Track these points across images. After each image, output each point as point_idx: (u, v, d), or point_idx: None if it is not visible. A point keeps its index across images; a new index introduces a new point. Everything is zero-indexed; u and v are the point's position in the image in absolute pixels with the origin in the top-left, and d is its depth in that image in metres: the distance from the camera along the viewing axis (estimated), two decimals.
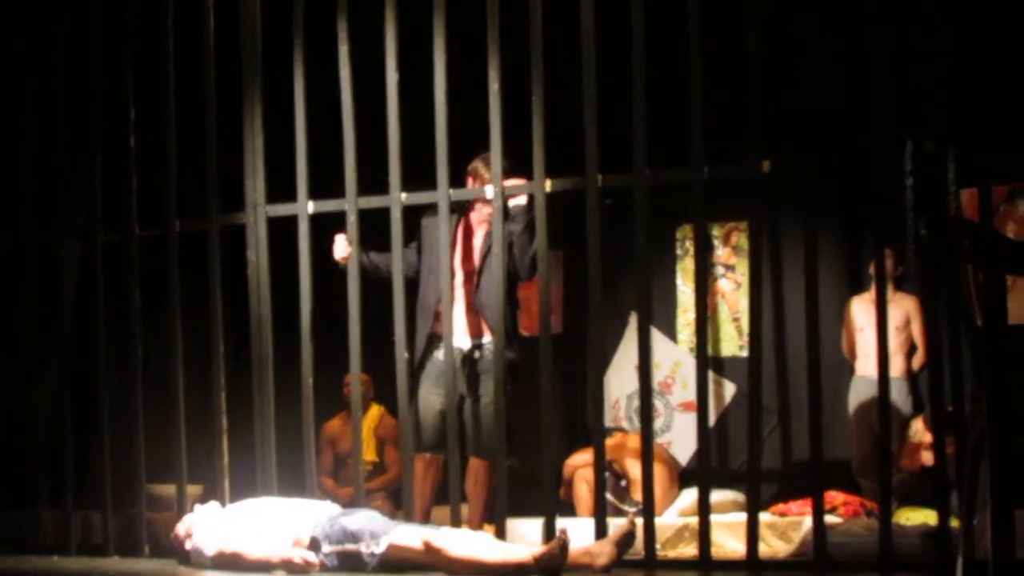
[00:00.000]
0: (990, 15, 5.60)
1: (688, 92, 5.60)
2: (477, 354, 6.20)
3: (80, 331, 6.93)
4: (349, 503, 6.32)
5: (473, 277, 6.26)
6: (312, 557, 5.20)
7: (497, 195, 5.94)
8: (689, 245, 8.69)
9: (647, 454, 5.67)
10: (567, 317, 8.99)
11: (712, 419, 7.54)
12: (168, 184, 6.55)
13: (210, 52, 6.47)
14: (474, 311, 6.23)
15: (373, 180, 6.18)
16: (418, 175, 6.14)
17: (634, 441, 7.45)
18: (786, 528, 6.91)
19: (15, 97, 6.98)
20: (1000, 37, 5.88)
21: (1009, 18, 5.82)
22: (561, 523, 5.59)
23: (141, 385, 6.57)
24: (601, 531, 5.65)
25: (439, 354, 6.14)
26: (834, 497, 7.04)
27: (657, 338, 8.56)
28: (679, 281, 8.87)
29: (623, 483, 7.75)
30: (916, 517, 6.67)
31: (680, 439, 8.65)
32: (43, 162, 6.96)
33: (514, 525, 6.31)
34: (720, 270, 8.80)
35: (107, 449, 6.61)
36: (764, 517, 6.81)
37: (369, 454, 8.09)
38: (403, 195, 6.05)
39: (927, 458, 7.05)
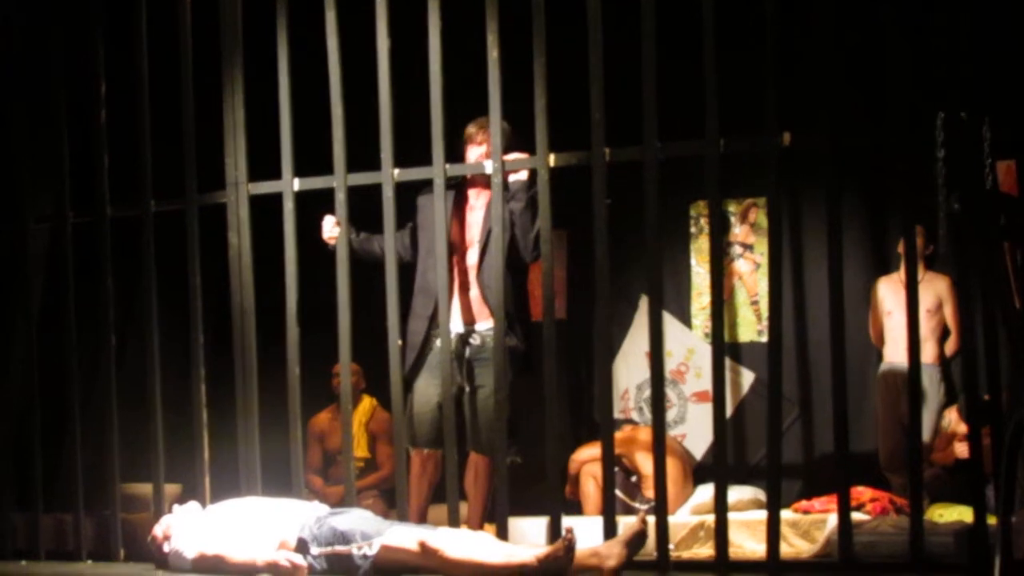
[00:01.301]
0: None
1: (702, 58, 5.57)
2: (477, 340, 6.19)
3: (48, 320, 6.91)
4: (339, 502, 6.32)
5: (472, 257, 6.24)
6: (299, 560, 5.18)
7: (496, 171, 5.93)
8: (704, 223, 8.69)
9: (659, 448, 5.66)
10: (571, 301, 9.00)
11: (729, 410, 7.58)
12: (142, 161, 6.51)
13: (187, 18, 6.43)
14: (472, 294, 6.21)
15: (363, 157, 6.16)
16: (412, 150, 6.13)
17: (645, 434, 7.47)
18: (809, 527, 6.93)
19: None
20: None
21: None
22: (567, 522, 5.57)
23: (115, 377, 6.56)
24: (610, 531, 5.65)
25: (439, 342, 6.13)
26: (861, 493, 7.05)
27: (669, 323, 8.58)
28: (693, 262, 8.88)
29: (633, 479, 7.77)
30: (950, 514, 6.70)
31: (694, 431, 8.67)
32: (4, 139, 6.94)
33: (516, 524, 6.31)
34: (737, 250, 8.81)
35: (79, 446, 6.60)
36: (785, 515, 6.83)
37: (360, 450, 8.11)
38: (396, 171, 6.03)
39: (961, 451, 7.08)
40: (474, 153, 6.21)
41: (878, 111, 5.87)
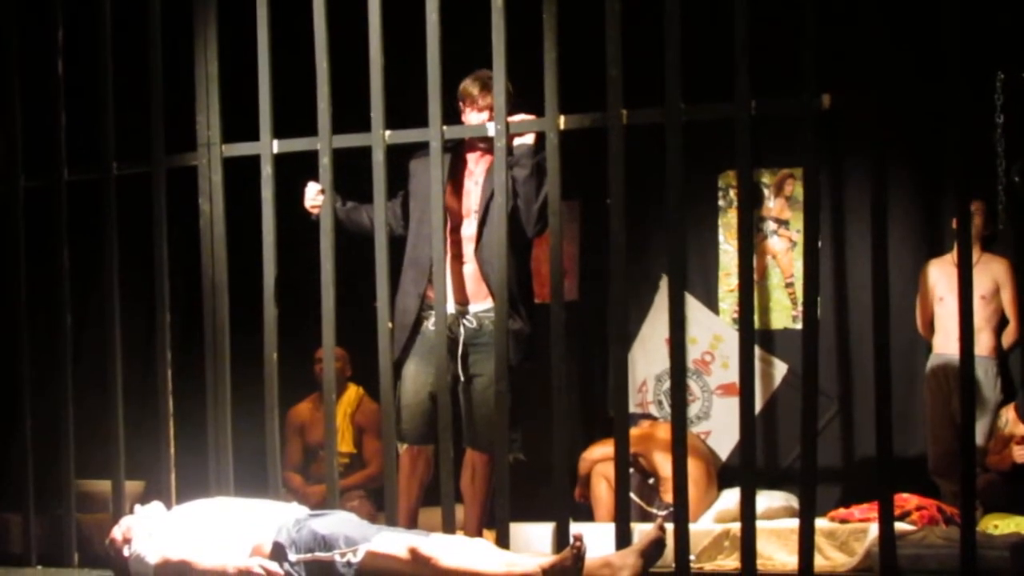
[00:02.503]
0: None
1: (732, 8, 5.56)
2: (472, 323, 6.18)
3: None
4: (320, 503, 6.34)
5: (468, 228, 6.22)
6: (275, 567, 5.19)
7: (500, 133, 5.91)
8: (733, 195, 8.68)
9: (680, 446, 5.67)
10: (583, 281, 9.00)
11: (758, 405, 7.57)
12: (104, 119, 6.52)
13: None
14: (468, 270, 6.20)
15: (350, 117, 6.15)
16: (404, 110, 6.12)
17: (664, 431, 7.47)
18: (847, 537, 6.94)
19: None
20: None
21: None
22: (576, 528, 5.59)
23: (71, 362, 6.57)
24: (624, 539, 5.66)
25: (431, 324, 6.11)
26: (906, 500, 7.06)
27: (693, 307, 8.58)
28: (721, 239, 8.88)
29: (651, 481, 7.78)
30: (1005, 525, 6.70)
31: (720, 429, 8.68)
32: None
33: (519, 531, 6.33)
34: (771, 226, 8.80)
35: (29, 439, 6.62)
36: (820, 524, 6.83)
37: (345, 445, 8.11)
38: (387, 133, 6.02)
39: (1019, 454, 7.07)
40: (474, 120, 6.17)
41: (930, 70, 5.85)
